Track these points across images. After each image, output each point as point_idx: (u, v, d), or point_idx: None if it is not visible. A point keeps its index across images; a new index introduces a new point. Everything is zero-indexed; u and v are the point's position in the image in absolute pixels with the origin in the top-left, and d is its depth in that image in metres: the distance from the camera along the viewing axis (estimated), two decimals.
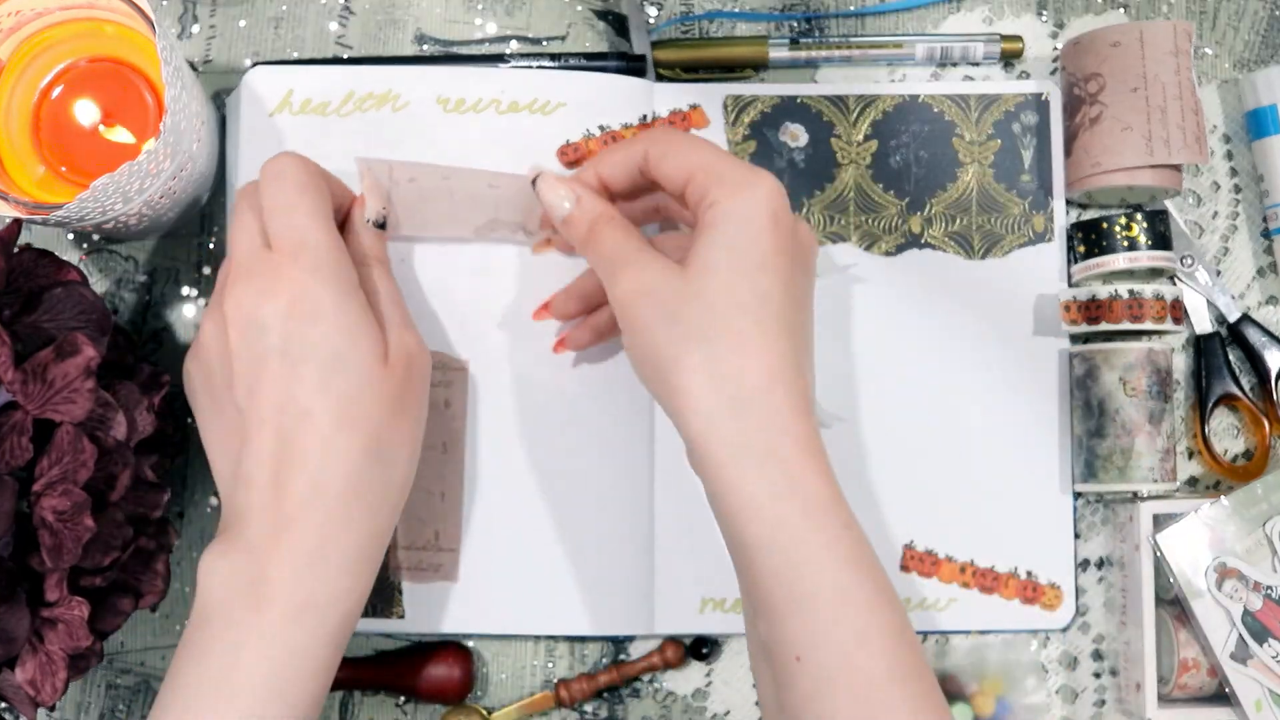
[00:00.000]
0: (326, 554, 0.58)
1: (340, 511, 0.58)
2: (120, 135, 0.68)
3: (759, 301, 0.59)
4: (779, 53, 0.74)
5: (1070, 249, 0.73)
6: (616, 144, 0.66)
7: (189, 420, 0.73)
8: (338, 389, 0.58)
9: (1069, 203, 0.74)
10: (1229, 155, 0.75)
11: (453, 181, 0.68)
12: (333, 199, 0.63)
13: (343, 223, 0.65)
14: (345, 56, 0.74)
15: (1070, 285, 0.73)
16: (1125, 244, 0.71)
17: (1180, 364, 0.74)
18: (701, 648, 0.73)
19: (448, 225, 0.70)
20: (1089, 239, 0.72)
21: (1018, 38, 0.75)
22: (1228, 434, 0.75)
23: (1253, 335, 0.73)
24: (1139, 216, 0.71)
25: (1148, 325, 0.70)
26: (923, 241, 0.73)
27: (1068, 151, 0.73)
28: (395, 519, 0.62)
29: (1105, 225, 0.71)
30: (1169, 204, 0.74)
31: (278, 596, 0.57)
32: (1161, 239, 0.71)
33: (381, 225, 0.65)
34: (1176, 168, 0.71)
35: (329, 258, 0.60)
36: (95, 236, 0.74)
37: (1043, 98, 0.74)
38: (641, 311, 0.60)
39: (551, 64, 0.73)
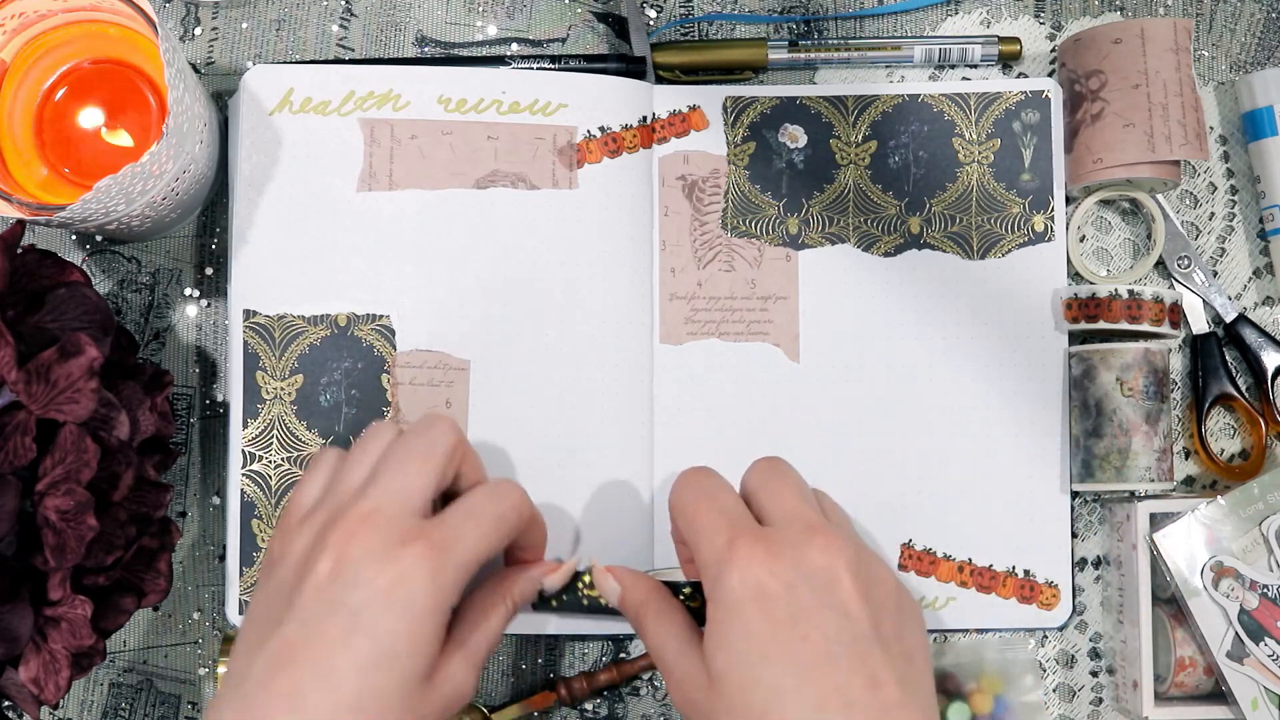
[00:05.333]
0: None
1: None
2: (123, 137, 0.68)
3: (771, 700, 0.54)
4: (778, 55, 0.74)
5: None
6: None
7: (191, 419, 0.73)
8: (369, 682, 0.55)
9: (1069, 199, 0.74)
10: (1225, 157, 0.76)
11: (453, 135, 0.70)
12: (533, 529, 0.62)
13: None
14: (347, 58, 0.75)
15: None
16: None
17: (1177, 364, 0.75)
18: None
19: (449, 178, 0.71)
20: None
21: (1015, 40, 0.75)
22: (1224, 434, 0.75)
23: (1249, 336, 0.73)
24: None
25: (1145, 327, 0.70)
26: (922, 242, 0.73)
27: (1068, 148, 0.73)
28: None
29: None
30: (1163, 200, 0.74)
31: None
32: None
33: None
34: (1176, 161, 0.72)
35: (466, 564, 0.58)
36: (98, 238, 0.74)
37: (1044, 95, 0.74)
38: (688, 715, 0.58)
39: (552, 66, 0.73)
